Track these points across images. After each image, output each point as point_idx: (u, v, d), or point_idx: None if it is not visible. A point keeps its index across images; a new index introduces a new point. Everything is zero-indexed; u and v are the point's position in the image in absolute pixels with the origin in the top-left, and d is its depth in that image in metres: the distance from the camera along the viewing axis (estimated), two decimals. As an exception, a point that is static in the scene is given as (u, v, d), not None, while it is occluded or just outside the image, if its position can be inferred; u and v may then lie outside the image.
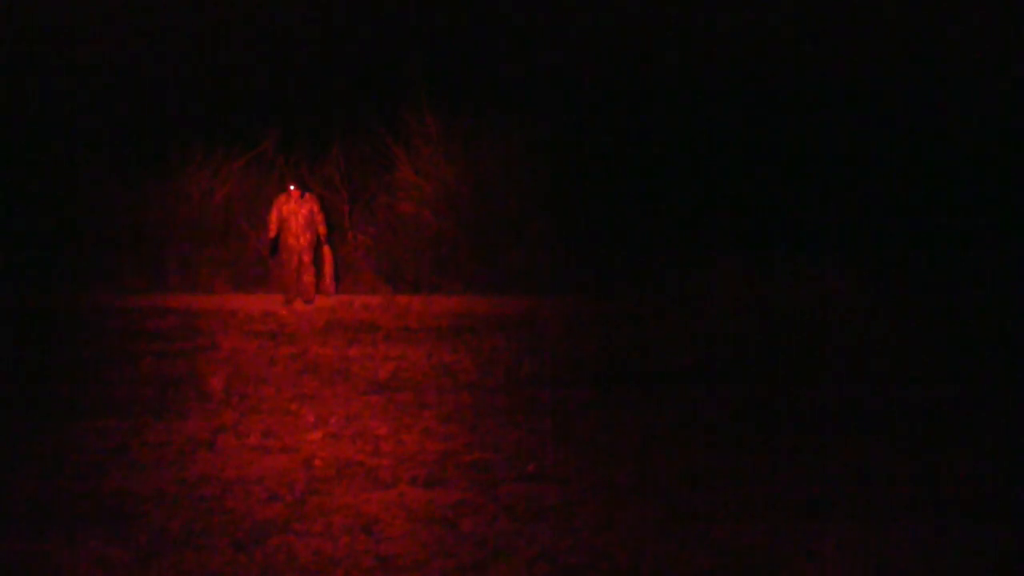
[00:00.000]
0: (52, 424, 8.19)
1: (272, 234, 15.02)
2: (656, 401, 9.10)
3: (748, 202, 16.48)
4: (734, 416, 8.54)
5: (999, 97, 16.91)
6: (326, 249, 15.05)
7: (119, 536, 5.71)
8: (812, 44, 18.01)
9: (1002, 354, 10.87)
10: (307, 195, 15.07)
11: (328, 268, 15.09)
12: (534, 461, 7.18)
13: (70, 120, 17.41)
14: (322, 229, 14.98)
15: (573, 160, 17.01)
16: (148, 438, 7.79)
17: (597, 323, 12.83)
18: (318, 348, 11.54)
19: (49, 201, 16.56)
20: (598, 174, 17.01)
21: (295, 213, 14.90)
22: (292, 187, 15.09)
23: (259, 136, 17.35)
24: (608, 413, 8.66)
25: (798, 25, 18.18)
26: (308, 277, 14.92)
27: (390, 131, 17.13)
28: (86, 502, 6.28)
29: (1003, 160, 16.58)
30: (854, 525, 5.91)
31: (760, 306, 13.14)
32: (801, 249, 14.77)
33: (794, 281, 13.81)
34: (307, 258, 14.91)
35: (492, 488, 6.59)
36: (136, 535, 5.72)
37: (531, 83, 17.50)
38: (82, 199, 16.68)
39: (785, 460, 7.23)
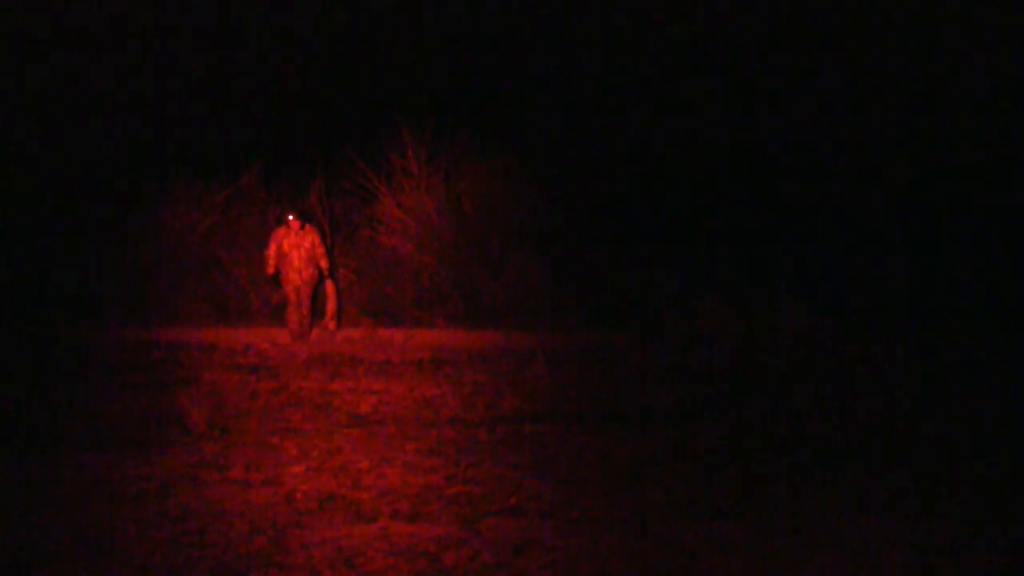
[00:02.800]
0: (33, 458, 8.17)
1: (271, 270, 14.56)
2: (638, 436, 9.12)
3: (734, 238, 16.53)
4: (717, 450, 8.57)
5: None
6: (329, 284, 14.71)
7: (101, 570, 5.70)
8: (794, 93, 18.12)
9: (986, 393, 10.91)
10: (307, 226, 14.57)
11: (332, 304, 14.75)
12: (516, 495, 7.19)
13: (50, 153, 17.37)
14: (324, 263, 14.51)
15: (555, 195, 17.08)
16: (130, 472, 7.78)
17: (579, 358, 12.86)
18: (300, 382, 11.54)
19: (29, 234, 16.51)
20: (580, 209, 17.07)
21: (297, 247, 14.37)
22: (291, 217, 14.52)
23: (241, 169, 17.32)
24: (590, 448, 8.68)
25: (780, 72, 18.32)
26: (305, 312, 14.41)
27: (372, 165, 17.16)
28: (68, 536, 6.26)
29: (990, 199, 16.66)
30: (839, 556, 5.94)
31: (745, 343, 13.21)
32: (787, 287, 14.81)
33: (780, 318, 13.88)
34: (306, 294, 14.40)
35: (474, 522, 6.60)
36: (118, 569, 5.72)
37: (513, 118, 17.56)
38: (63, 232, 16.60)
39: (768, 493, 7.26)
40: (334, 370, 12.32)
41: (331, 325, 14.77)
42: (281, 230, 14.53)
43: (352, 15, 19.41)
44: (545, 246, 16.60)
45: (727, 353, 12.87)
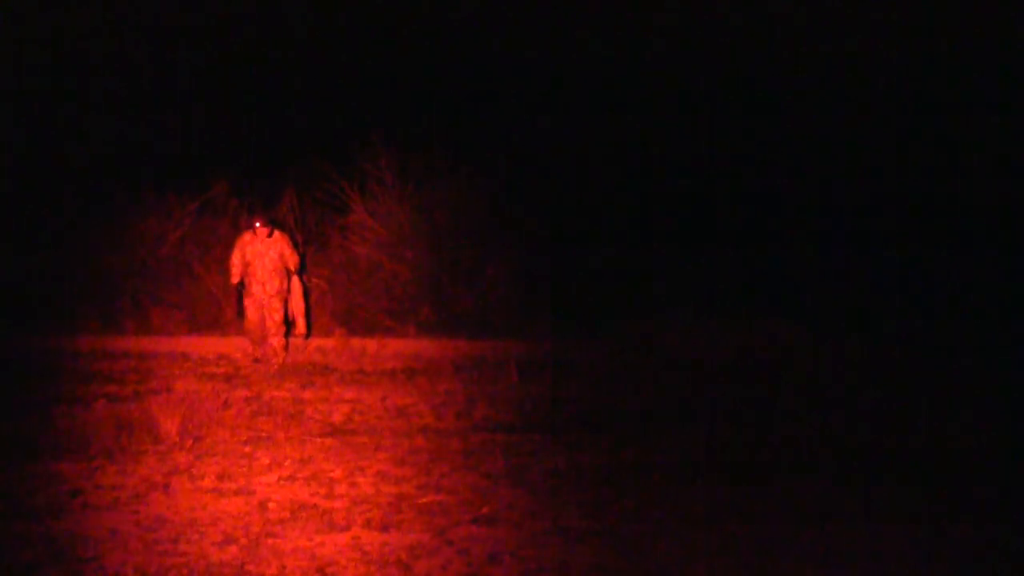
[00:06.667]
0: (5, 467, 8.15)
1: (235, 279, 13.31)
2: (610, 445, 9.17)
3: (704, 247, 16.60)
4: (688, 459, 8.63)
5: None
6: (295, 280, 13.48)
7: (73, 579, 5.72)
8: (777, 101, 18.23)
9: (981, 397, 11.00)
10: (276, 233, 13.32)
11: (296, 300, 13.49)
12: (488, 504, 7.23)
13: (18, 161, 17.28)
14: (292, 264, 13.25)
15: (527, 204, 17.12)
16: (102, 481, 7.79)
17: (551, 367, 12.90)
18: (272, 391, 11.54)
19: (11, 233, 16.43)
20: (551, 218, 17.12)
21: (261, 256, 13.18)
22: (258, 224, 13.28)
23: (212, 178, 17.25)
24: (562, 456, 8.72)
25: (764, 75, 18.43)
26: (276, 340, 13.22)
27: (344, 173, 17.14)
28: (41, 545, 6.27)
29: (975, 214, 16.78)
30: (814, 566, 6.00)
31: (715, 352, 13.28)
32: (758, 297, 14.91)
33: (750, 328, 13.98)
34: (275, 312, 13.16)
35: (446, 531, 6.64)
36: (91, 578, 5.73)
37: (486, 127, 17.60)
38: (33, 241, 16.50)
39: (741, 502, 7.32)
40: (307, 379, 12.32)
41: (301, 327, 13.61)
42: (246, 235, 13.35)
43: (326, 24, 19.42)
44: (517, 255, 16.63)
45: (701, 362, 12.94)
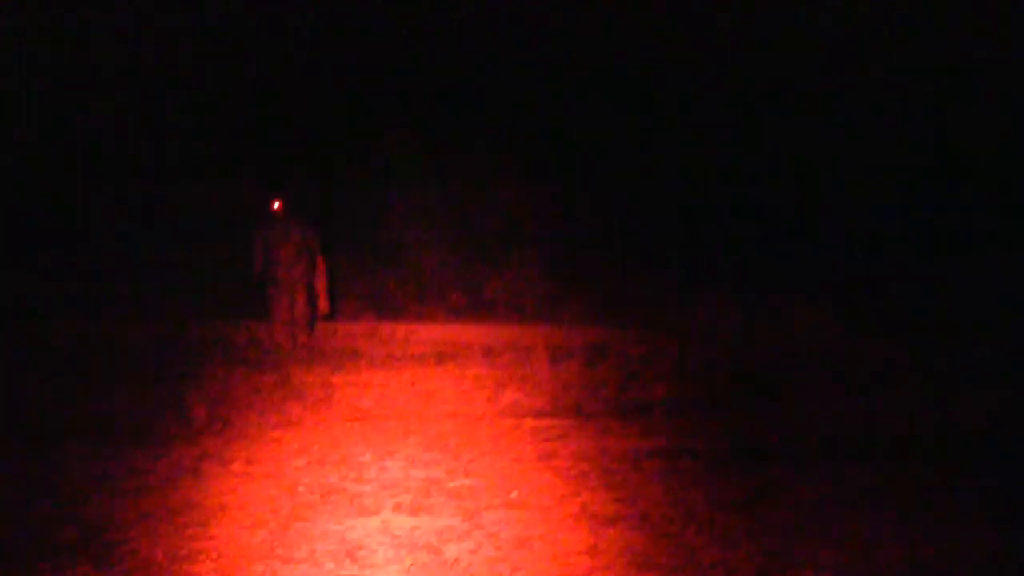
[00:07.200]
0: (36, 451, 8.18)
1: (258, 268, 13.16)
2: (639, 430, 9.14)
3: (739, 234, 16.51)
4: (719, 445, 8.59)
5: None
6: (319, 260, 13.25)
7: (104, 563, 5.71)
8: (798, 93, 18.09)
9: (998, 392, 10.89)
10: (295, 219, 13.16)
11: (321, 281, 13.28)
12: (517, 488, 7.21)
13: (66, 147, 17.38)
14: (315, 245, 13.11)
15: (558, 188, 17.09)
16: (132, 465, 7.80)
17: (580, 352, 12.86)
18: (302, 375, 11.54)
19: (28, 227, 16.49)
20: (583, 203, 17.08)
21: (283, 239, 13.06)
22: (276, 205, 13.18)
23: (237, 161, 17.20)
24: (591, 441, 8.70)
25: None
26: (303, 324, 13.17)
27: (374, 157, 17.14)
28: (71, 529, 6.28)
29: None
30: (842, 553, 5.95)
31: (748, 339, 13.22)
32: (793, 283, 14.81)
33: (784, 314, 13.90)
34: (300, 296, 13.12)
35: (476, 515, 6.62)
36: (121, 562, 5.73)
37: (517, 111, 17.53)
38: (60, 227, 16.56)
39: (771, 489, 7.27)
40: (336, 364, 12.32)
41: (324, 307, 13.36)
42: (266, 222, 13.21)
43: (352, 2, 19.34)
44: (547, 240, 16.61)
45: (729, 349, 12.88)
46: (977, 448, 8.55)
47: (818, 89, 17.71)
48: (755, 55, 18.03)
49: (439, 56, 18.72)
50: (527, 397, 10.53)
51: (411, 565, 5.75)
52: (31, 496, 6.96)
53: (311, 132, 17.87)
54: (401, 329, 14.60)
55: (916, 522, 6.52)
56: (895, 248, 16.14)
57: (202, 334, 14.25)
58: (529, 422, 9.40)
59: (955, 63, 17.17)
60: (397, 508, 6.76)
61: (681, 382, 11.24)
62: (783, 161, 17.51)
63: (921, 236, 16.21)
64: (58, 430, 8.86)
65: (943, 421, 9.38)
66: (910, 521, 6.55)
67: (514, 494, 7.08)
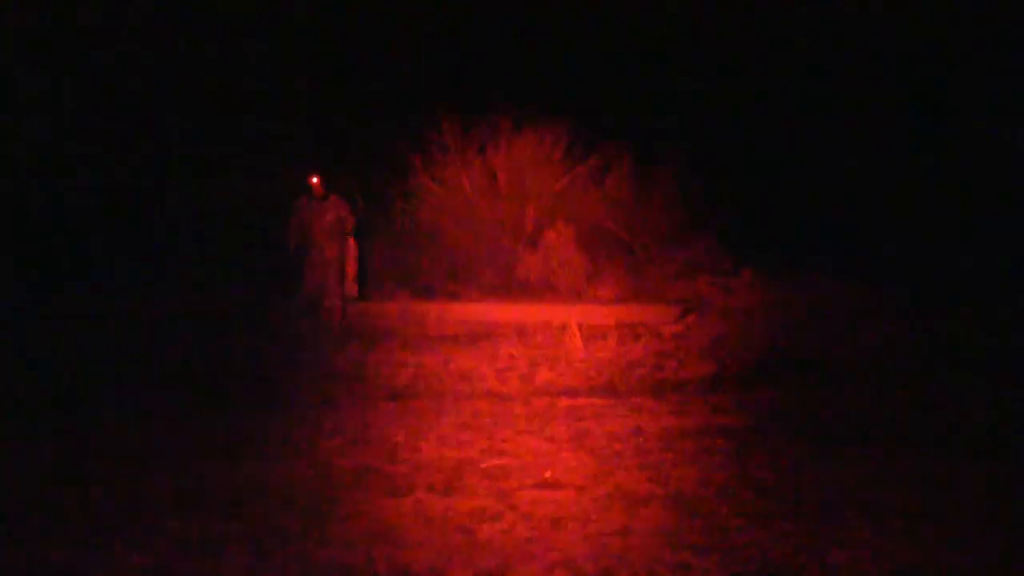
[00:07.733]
0: (57, 428, 8.23)
1: (293, 244, 13.35)
2: (673, 410, 9.11)
3: (773, 212, 16.43)
4: (753, 425, 8.54)
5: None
6: (350, 241, 13.53)
7: (139, 543, 5.73)
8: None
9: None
10: (332, 197, 13.37)
11: (350, 266, 13.61)
12: (551, 468, 7.19)
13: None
14: (349, 226, 13.38)
15: (588, 168, 17.05)
16: (163, 444, 7.83)
17: (614, 331, 12.83)
18: (335, 355, 11.57)
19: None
20: (613, 183, 17.04)
21: (319, 218, 13.24)
22: (315, 180, 13.30)
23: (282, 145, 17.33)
24: (624, 420, 8.67)
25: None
26: (335, 303, 13.30)
27: (407, 138, 17.13)
28: (106, 507, 6.30)
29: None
30: (874, 533, 5.90)
31: (781, 315, 13.14)
32: (829, 264, 14.71)
33: (816, 292, 13.82)
34: (332, 275, 13.27)
35: (509, 495, 6.60)
36: (155, 541, 5.74)
37: (549, 92, 17.47)
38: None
39: (804, 469, 7.22)
40: (369, 344, 12.34)
41: (352, 289, 13.67)
42: (303, 200, 13.37)
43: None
44: (579, 220, 16.56)
45: (766, 325, 12.81)
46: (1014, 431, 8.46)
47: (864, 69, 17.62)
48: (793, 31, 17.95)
49: (476, 34, 18.69)
50: (560, 376, 10.52)
51: (443, 546, 5.74)
52: (58, 476, 6.99)
53: (344, 110, 17.92)
54: (434, 309, 14.61)
55: (957, 506, 6.45)
56: (941, 227, 16.00)
57: (237, 312, 14.28)
58: (563, 401, 9.38)
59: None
60: (430, 488, 6.75)
61: (716, 361, 11.19)
62: (826, 136, 17.41)
63: (972, 222, 16.05)
64: (77, 406, 8.91)
65: (991, 410, 9.25)
66: (949, 504, 6.48)
67: (548, 474, 7.06)
